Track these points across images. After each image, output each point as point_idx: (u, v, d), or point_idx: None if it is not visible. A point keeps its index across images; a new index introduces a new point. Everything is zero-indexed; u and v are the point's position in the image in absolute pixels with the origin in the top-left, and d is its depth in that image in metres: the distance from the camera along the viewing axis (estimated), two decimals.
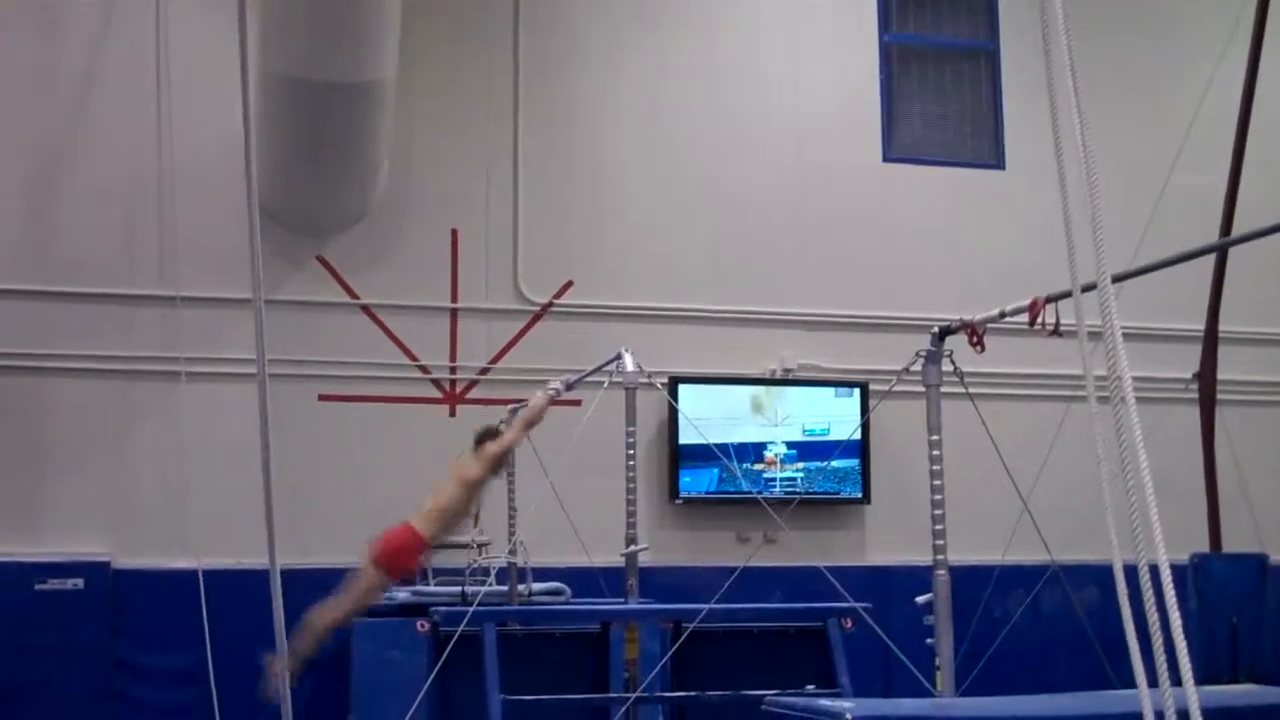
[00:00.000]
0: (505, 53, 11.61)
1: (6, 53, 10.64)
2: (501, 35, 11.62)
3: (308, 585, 9.03)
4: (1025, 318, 5.91)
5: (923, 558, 6.67)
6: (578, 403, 9.41)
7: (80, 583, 10.21)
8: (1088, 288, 3.48)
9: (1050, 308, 5.80)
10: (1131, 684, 3.33)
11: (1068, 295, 4.90)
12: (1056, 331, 5.65)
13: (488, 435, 7.86)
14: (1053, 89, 3.42)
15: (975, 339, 6.15)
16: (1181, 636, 3.14)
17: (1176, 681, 3.18)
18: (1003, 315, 6.11)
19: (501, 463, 7.96)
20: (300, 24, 9.48)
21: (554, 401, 8.56)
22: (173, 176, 10.54)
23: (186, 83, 10.53)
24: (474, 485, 7.72)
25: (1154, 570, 3.15)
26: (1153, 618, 3.13)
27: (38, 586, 10.13)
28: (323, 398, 10.92)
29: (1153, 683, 3.22)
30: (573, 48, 11.86)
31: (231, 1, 4.08)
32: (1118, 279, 3.73)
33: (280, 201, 10.46)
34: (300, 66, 9.53)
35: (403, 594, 9.87)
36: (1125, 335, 3.31)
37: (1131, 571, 3.21)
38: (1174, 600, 3.15)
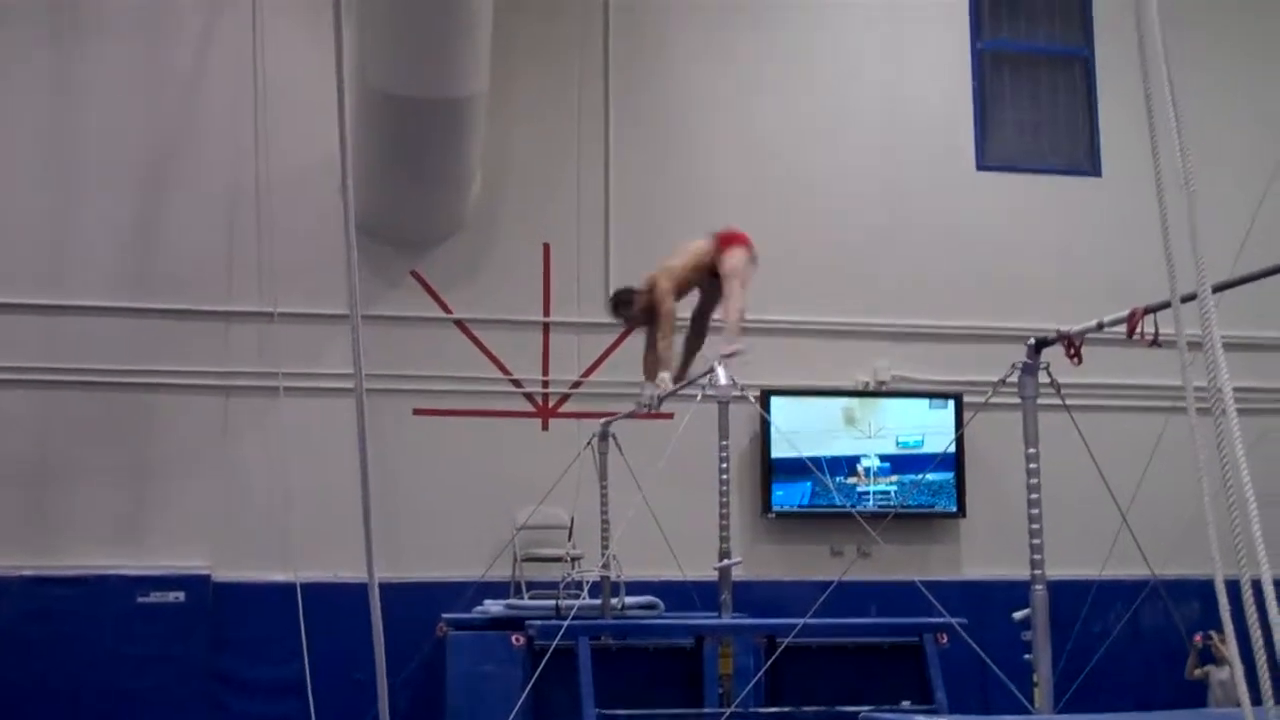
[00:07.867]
0: (596, 65, 11.65)
1: (109, 71, 10.85)
2: (592, 48, 11.66)
3: (403, 598, 9.13)
4: (1123, 328, 5.81)
5: (1019, 572, 6.58)
6: (670, 416, 9.41)
7: (181, 596, 10.40)
8: (1187, 298, 3.41)
9: (1149, 318, 5.69)
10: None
11: (1167, 306, 4.82)
12: (1156, 342, 5.54)
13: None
14: (1149, 97, 3.36)
15: (1072, 351, 6.05)
16: None
17: None
18: (1101, 327, 6.00)
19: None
20: (394, 41, 9.59)
21: (645, 414, 8.64)
22: (270, 194, 10.66)
23: (283, 100, 10.65)
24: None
25: (1256, 585, 3.09)
26: (1256, 634, 3.08)
27: (140, 599, 10.34)
28: (417, 412, 11.01)
29: (1256, 701, 3.17)
30: (664, 58, 11.87)
31: (328, 18, 4.13)
32: (1218, 289, 3.65)
33: (375, 217, 10.56)
34: (394, 83, 9.63)
35: (496, 607, 9.92)
36: (1226, 345, 3.25)
37: (1234, 587, 3.15)
38: (1278, 616, 3.09)
